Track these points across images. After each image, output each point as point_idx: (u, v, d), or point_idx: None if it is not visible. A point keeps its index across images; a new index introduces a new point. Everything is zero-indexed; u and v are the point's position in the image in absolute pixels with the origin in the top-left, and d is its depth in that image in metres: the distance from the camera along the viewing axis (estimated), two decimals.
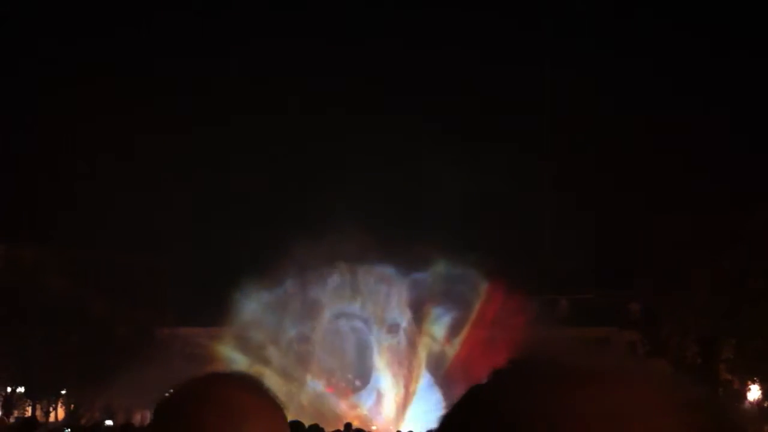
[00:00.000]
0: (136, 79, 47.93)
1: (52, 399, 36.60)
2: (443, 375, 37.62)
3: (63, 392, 36.92)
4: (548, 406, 0.59)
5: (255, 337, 38.63)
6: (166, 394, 1.45)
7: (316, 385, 38.69)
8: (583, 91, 46.95)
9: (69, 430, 18.55)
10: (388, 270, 39.58)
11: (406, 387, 39.01)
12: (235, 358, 36.25)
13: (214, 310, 36.67)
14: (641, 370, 0.63)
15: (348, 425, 21.33)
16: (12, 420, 29.59)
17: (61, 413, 37.11)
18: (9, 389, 35.97)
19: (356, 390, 39.40)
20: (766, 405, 31.90)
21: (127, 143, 44.88)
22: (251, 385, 1.43)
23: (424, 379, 38.87)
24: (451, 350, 38.31)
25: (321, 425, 14.13)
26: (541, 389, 0.61)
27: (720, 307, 29.75)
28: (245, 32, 60.30)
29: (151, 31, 57.34)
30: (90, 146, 44.42)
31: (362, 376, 39.78)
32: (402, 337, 39.65)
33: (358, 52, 58.77)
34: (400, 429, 27.91)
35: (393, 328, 39.85)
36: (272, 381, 36.49)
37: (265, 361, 37.97)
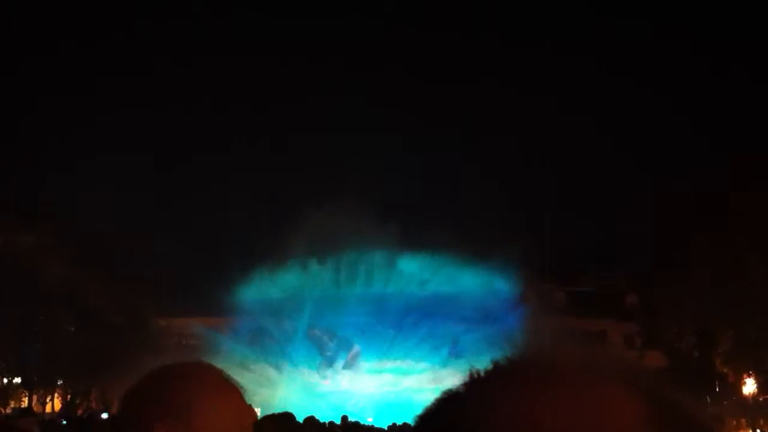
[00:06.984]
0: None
1: (48, 389, 36.44)
2: None
3: (59, 383, 36.75)
4: (509, 409, 0.61)
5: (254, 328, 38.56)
6: (136, 381, 1.56)
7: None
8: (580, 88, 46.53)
9: (65, 422, 18.44)
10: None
11: None
12: (232, 350, 36.11)
13: (211, 300, 36.43)
14: (605, 373, 0.63)
15: (344, 417, 21.37)
16: (8, 411, 29.49)
17: (57, 404, 36.98)
18: (5, 380, 35.75)
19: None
20: (761, 399, 31.76)
21: (122, 126, 44.69)
22: (216, 369, 1.60)
23: None
24: None
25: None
26: (504, 394, 0.63)
27: (721, 297, 28.80)
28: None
29: None
30: (86, 129, 44.21)
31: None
32: None
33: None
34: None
35: None
36: (275, 374, 36.41)
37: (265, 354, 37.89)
